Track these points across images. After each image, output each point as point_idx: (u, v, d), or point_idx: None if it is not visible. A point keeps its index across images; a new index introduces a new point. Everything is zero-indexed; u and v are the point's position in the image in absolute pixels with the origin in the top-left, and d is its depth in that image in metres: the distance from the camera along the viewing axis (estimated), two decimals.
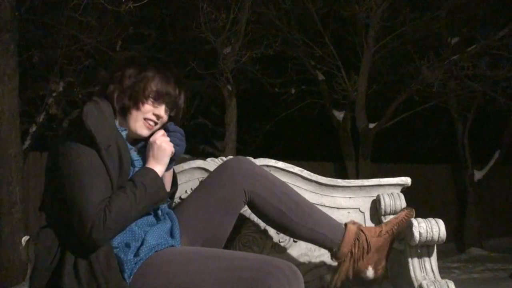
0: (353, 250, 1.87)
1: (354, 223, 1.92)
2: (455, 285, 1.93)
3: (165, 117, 1.80)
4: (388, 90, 8.88)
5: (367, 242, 1.87)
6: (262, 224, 2.03)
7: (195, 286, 1.56)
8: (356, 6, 7.40)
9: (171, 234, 1.75)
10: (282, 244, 2.10)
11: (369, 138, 8.37)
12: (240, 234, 2.08)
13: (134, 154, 1.77)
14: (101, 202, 1.56)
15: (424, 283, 1.91)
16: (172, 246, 1.70)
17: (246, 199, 1.87)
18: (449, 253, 8.70)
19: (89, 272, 1.55)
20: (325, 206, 2.17)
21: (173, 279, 1.57)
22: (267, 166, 2.16)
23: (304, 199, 1.93)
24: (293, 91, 8.89)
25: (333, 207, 2.18)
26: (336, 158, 9.30)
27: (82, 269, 1.55)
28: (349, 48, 8.61)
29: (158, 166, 1.73)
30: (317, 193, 2.18)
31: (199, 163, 2.16)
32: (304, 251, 2.08)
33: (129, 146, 1.75)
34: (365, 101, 8.18)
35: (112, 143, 1.63)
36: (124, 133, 1.74)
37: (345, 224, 1.91)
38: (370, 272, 1.89)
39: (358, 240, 1.87)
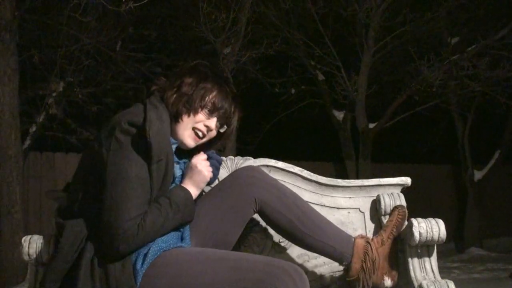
0: (364, 266, 1.88)
1: (362, 237, 1.93)
2: (455, 285, 1.93)
3: (214, 132, 1.81)
4: (388, 90, 8.88)
5: (374, 254, 1.88)
6: (263, 224, 2.03)
7: (201, 286, 1.56)
8: (356, 6, 7.40)
9: (182, 236, 1.76)
10: (282, 244, 2.10)
11: (369, 138, 8.37)
12: (240, 234, 2.08)
13: (177, 170, 1.78)
14: (137, 216, 1.56)
15: (424, 283, 1.91)
16: (181, 247, 1.70)
17: (257, 208, 1.88)
18: (449, 253, 8.70)
19: (103, 272, 1.56)
20: (325, 206, 2.17)
21: (179, 279, 1.58)
22: (267, 166, 2.16)
23: (314, 210, 1.93)
24: (293, 91, 8.90)
25: (333, 207, 2.18)
26: (336, 158, 9.31)
27: (97, 267, 1.56)
28: (349, 48, 8.61)
29: (194, 189, 1.76)
30: (317, 193, 2.18)
31: None
32: (304, 251, 2.08)
33: (175, 159, 1.76)
34: (365, 101, 8.18)
35: (163, 157, 1.63)
36: (174, 146, 1.75)
37: (354, 239, 1.91)
38: (388, 282, 1.92)
39: (368, 255, 1.88)
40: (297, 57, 8.47)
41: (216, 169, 1.86)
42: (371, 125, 8.37)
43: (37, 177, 6.93)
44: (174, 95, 1.75)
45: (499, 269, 6.90)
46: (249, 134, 8.78)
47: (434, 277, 1.95)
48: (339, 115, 8.81)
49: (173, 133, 1.76)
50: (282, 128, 9.35)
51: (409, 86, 7.91)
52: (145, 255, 1.61)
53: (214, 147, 1.89)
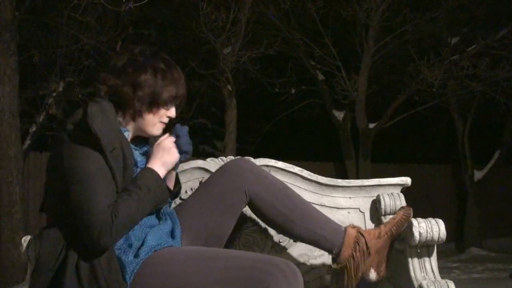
0: (354, 254, 1.86)
1: (353, 226, 1.92)
2: (455, 285, 1.93)
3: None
4: (388, 90, 8.88)
5: (366, 245, 1.87)
6: (262, 224, 2.03)
7: (194, 285, 1.56)
8: (356, 6, 7.40)
9: (172, 235, 1.75)
10: (282, 244, 2.10)
11: (369, 138, 8.38)
12: (240, 234, 2.08)
13: (137, 155, 1.77)
14: (108, 207, 1.56)
15: (424, 283, 1.90)
16: (172, 246, 1.69)
17: (247, 199, 1.87)
18: (449, 253, 8.70)
19: (91, 273, 1.55)
20: (325, 206, 2.17)
21: (172, 279, 1.58)
22: (267, 166, 2.16)
23: (304, 201, 1.93)
24: (293, 91, 8.90)
25: (333, 207, 2.18)
26: (336, 158, 9.31)
27: (84, 271, 1.55)
28: (349, 48, 8.61)
29: (161, 168, 1.73)
30: (317, 193, 2.18)
31: (199, 163, 2.16)
32: (304, 251, 2.08)
33: (132, 146, 1.75)
34: (365, 101, 8.18)
35: (117, 145, 1.63)
36: (126, 134, 1.74)
37: (345, 228, 1.90)
38: (373, 275, 1.89)
39: (358, 244, 1.86)
40: (297, 57, 8.47)
41: (187, 144, 1.81)
42: (371, 125, 8.37)
43: (37, 177, 6.93)
44: (131, 96, 1.72)
45: (499, 269, 6.90)
46: (249, 134, 8.79)
47: (434, 277, 1.94)
48: (339, 115, 8.81)
49: (131, 127, 1.76)
50: (282, 128, 9.36)
51: (409, 86, 7.91)
52: (138, 249, 1.61)
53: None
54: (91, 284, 1.54)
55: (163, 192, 1.70)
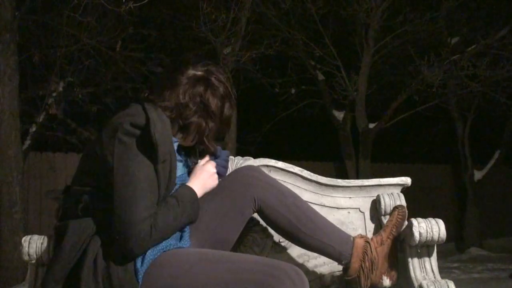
0: (363, 265, 1.88)
1: (361, 236, 1.93)
2: (455, 285, 1.93)
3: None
4: (388, 90, 8.88)
5: (373, 254, 1.89)
6: (263, 224, 2.03)
7: (199, 287, 1.56)
8: (356, 6, 7.40)
9: (181, 236, 1.75)
10: (282, 244, 2.10)
11: (369, 138, 8.37)
12: (240, 234, 2.08)
13: (179, 167, 1.79)
14: (149, 217, 1.56)
15: (424, 283, 1.91)
16: (180, 247, 1.69)
17: (256, 207, 1.88)
18: (449, 253, 8.70)
19: (106, 270, 1.56)
20: (325, 206, 2.17)
21: (178, 280, 1.58)
22: (267, 166, 2.16)
23: (313, 210, 1.94)
24: (293, 91, 8.89)
25: (333, 207, 2.18)
26: (336, 158, 9.31)
27: (100, 267, 1.56)
28: (349, 48, 8.61)
29: (200, 191, 1.78)
30: (317, 193, 2.18)
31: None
32: (304, 251, 2.08)
33: (178, 158, 1.77)
34: (365, 101, 8.18)
35: (167, 157, 1.63)
36: (176, 145, 1.75)
37: (353, 238, 1.92)
38: (386, 282, 1.92)
39: (367, 254, 1.88)
40: (297, 57, 8.47)
41: (224, 169, 1.90)
42: (371, 125, 8.36)
43: (37, 177, 6.93)
44: (194, 111, 1.75)
45: (499, 269, 6.90)
46: (249, 134, 8.78)
47: (434, 277, 1.95)
48: (339, 115, 8.81)
49: (178, 137, 1.78)
50: (282, 128, 9.35)
51: (409, 86, 7.91)
52: (144, 254, 1.61)
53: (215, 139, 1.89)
54: (104, 281, 1.55)
55: (196, 213, 1.73)
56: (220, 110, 1.79)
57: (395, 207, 2.04)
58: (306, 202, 1.96)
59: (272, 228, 1.96)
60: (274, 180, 1.96)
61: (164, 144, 1.61)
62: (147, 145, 1.58)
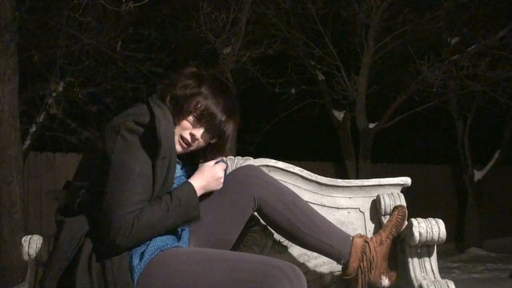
0: (362, 265, 1.88)
1: (360, 236, 1.93)
2: (455, 285, 1.93)
3: (201, 141, 1.78)
4: (388, 90, 8.88)
5: (372, 254, 1.89)
6: (263, 224, 2.03)
7: (198, 286, 1.56)
8: (356, 6, 7.40)
9: (180, 236, 1.75)
10: (282, 243, 2.10)
11: (369, 138, 8.37)
12: (240, 234, 2.08)
13: (178, 169, 1.78)
14: (135, 210, 1.56)
15: (424, 283, 1.91)
16: (178, 247, 1.69)
17: (256, 206, 1.88)
18: (449, 253, 8.70)
19: (101, 268, 1.56)
20: (325, 206, 2.17)
21: (176, 279, 1.58)
22: (267, 166, 2.15)
23: (312, 209, 1.94)
24: (293, 91, 8.89)
25: (333, 207, 2.18)
26: (336, 158, 9.30)
27: (95, 264, 1.56)
28: (349, 48, 8.61)
29: (201, 190, 1.76)
30: (317, 193, 2.18)
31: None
32: (304, 251, 2.08)
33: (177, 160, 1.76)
34: (365, 101, 8.18)
35: (168, 154, 1.63)
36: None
37: (352, 238, 1.92)
38: (385, 281, 1.92)
39: (365, 254, 1.88)
40: (297, 57, 8.47)
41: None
42: (371, 125, 8.36)
43: (37, 177, 6.93)
44: (169, 96, 1.75)
45: (499, 269, 6.90)
46: (249, 134, 8.78)
47: (434, 277, 1.94)
48: (339, 115, 8.81)
49: None
50: (282, 128, 9.35)
51: (409, 86, 7.91)
52: (142, 253, 1.61)
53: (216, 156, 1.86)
54: (99, 278, 1.55)
55: (194, 209, 1.71)
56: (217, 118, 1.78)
57: (395, 207, 2.04)
58: (306, 201, 1.96)
59: (271, 227, 1.96)
60: (274, 179, 1.96)
61: (168, 141, 1.62)
62: (150, 141, 1.59)
